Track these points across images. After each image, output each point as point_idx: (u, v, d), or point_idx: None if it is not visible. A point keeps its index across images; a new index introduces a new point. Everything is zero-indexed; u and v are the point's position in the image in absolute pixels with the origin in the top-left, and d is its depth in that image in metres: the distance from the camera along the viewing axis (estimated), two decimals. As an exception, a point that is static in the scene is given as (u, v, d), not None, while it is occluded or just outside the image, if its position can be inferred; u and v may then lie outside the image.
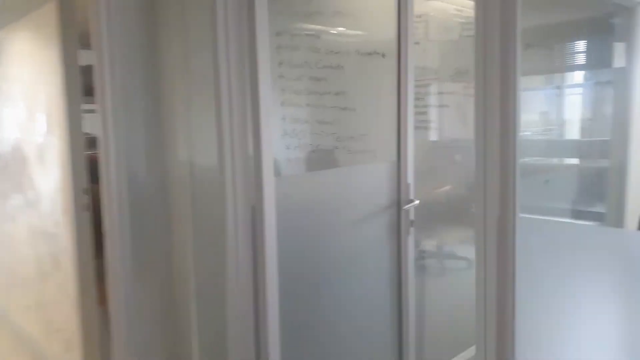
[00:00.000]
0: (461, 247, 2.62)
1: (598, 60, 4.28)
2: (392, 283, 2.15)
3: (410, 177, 2.11)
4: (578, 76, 4.31)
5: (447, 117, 2.73)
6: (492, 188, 1.06)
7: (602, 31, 4.17)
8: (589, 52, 4.26)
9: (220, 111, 1.65)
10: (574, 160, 4.43)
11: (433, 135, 2.60)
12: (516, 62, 0.97)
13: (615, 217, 4.32)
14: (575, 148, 4.31)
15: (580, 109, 4.39)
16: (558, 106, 4.43)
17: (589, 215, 4.26)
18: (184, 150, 2.02)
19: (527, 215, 3.83)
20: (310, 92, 2.17)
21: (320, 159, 2.10)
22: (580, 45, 4.14)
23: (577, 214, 4.14)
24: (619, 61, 4.15)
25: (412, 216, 2.12)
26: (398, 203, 2.11)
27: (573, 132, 4.40)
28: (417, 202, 2.10)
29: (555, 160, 4.34)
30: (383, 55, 2.33)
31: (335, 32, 2.20)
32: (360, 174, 2.02)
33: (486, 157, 1.04)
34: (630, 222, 4.38)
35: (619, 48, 4.14)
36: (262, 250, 1.66)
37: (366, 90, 2.28)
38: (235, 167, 1.66)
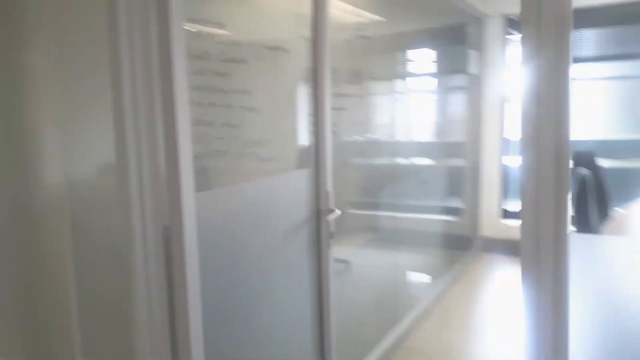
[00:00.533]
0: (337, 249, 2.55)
1: (454, 67, 4.61)
2: (313, 299, 1.95)
3: (329, 184, 1.92)
4: (438, 82, 4.58)
5: (344, 119, 2.62)
6: (546, 204, 0.93)
7: (458, 39, 4.49)
8: (446, 58, 4.56)
9: (123, 115, 1.26)
10: (429, 161, 4.69)
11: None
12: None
13: (471, 212, 4.71)
14: (436, 149, 4.56)
15: (438, 112, 4.67)
16: (415, 110, 4.65)
17: (450, 211, 4.56)
18: (56, 167, 1.57)
19: (408, 215, 3.99)
20: (214, 89, 1.85)
21: (230, 170, 1.80)
22: (440, 52, 4.39)
23: (441, 210, 4.40)
24: (473, 68, 4.51)
25: (332, 227, 1.94)
26: (317, 214, 1.91)
27: (432, 135, 4.66)
28: (338, 212, 1.92)
29: (419, 161, 4.54)
30: (286, 51, 2.10)
31: (240, 21, 1.91)
32: (276, 185, 1.77)
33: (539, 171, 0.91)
34: (486, 215, 4.81)
35: (472, 56, 4.50)
36: (181, 277, 1.32)
37: (273, 90, 2.03)
38: (142, 182, 1.29)
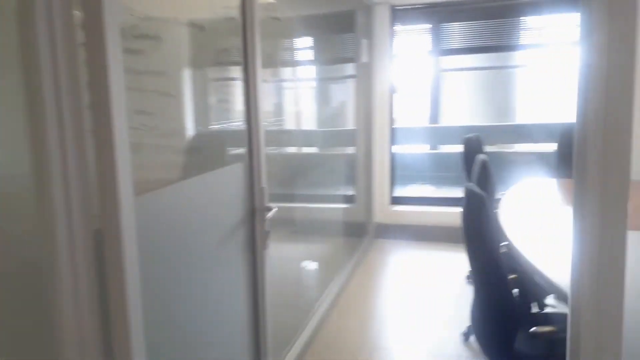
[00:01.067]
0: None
1: (346, 55, 4.61)
2: (249, 300, 1.75)
3: (264, 180, 1.73)
4: (331, 70, 4.54)
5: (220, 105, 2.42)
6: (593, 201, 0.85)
7: (348, 27, 4.49)
8: (337, 46, 4.54)
9: (43, 104, 0.95)
10: (324, 150, 4.67)
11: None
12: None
13: (365, 199, 4.79)
14: (330, 138, 4.54)
15: (330, 101, 4.65)
16: (308, 98, 4.58)
17: (346, 199, 4.59)
18: None
19: (306, 205, 3.90)
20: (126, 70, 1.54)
21: (149, 167, 1.52)
22: (331, 39, 4.35)
23: (338, 199, 4.40)
24: (364, 56, 4.55)
25: (268, 226, 1.75)
26: (252, 212, 1.71)
27: (325, 123, 4.63)
28: (275, 208, 1.74)
29: (313, 150, 4.47)
30: (202, 29, 1.85)
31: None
32: (206, 183, 1.54)
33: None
34: (378, 201, 4.92)
35: (363, 44, 4.53)
36: (117, 283, 1.06)
37: (191, 72, 1.77)
38: (68, 181, 0.99)
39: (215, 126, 1.76)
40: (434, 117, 6.65)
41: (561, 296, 1.75)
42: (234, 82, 1.69)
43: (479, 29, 4.76)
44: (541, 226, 2.68)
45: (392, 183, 5.01)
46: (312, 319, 2.96)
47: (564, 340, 1.84)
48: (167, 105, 1.73)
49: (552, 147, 5.56)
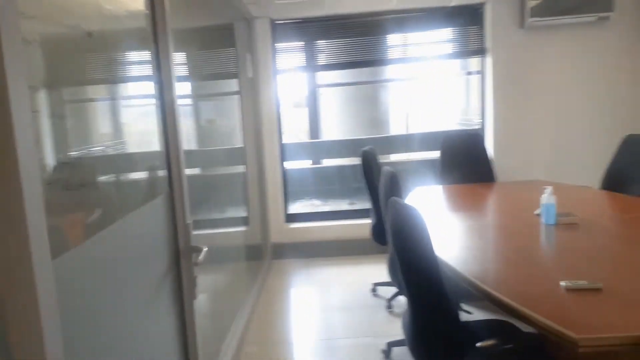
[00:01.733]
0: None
1: (229, 70, 4.35)
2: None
3: (188, 213, 1.43)
4: (214, 86, 4.25)
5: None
6: None
7: (230, 41, 4.25)
8: (220, 60, 4.27)
9: None
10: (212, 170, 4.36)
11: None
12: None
13: (260, 219, 4.55)
14: (221, 156, 4.24)
15: (215, 118, 4.35)
16: (191, 116, 4.24)
17: (239, 221, 4.31)
18: None
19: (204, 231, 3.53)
20: None
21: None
22: (213, 53, 4.08)
23: (233, 222, 4.11)
24: (249, 71, 4.35)
25: (195, 271, 1.45)
26: (177, 255, 1.40)
27: (212, 142, 4.32)
28: (205, 249, 1.44)
29: (195, 171, 4.13)
30: (90, 35, 1.51)
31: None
32: (122, 229, 1.21)
33: None
34: (274, 221, 4.71)
35: (247, 59, 4.33)
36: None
37: (81, 87, 1.42)
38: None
39: (121, 151, 1.42)
40: (315, 132, 6.66)
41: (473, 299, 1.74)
42: (144, 98, 1.39)
43: (352, 45, 4.85)
44: (439, 233, 2.72)
45: (286, 200, 4.85)
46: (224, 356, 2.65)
47: (510, 353, 1.84)
48: (59, 125, 1.36)
49: (436, 154, 5.88)
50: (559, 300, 1.76)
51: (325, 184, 6.61)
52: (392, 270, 2.88)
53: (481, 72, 4.81)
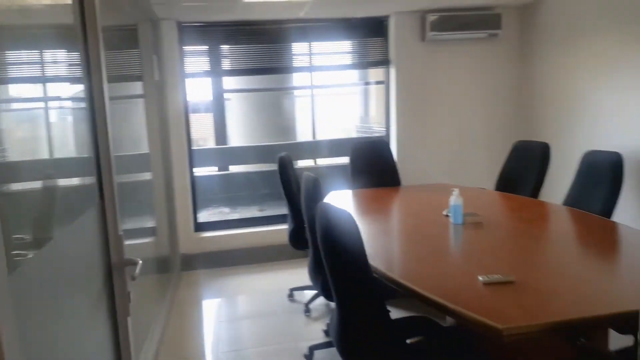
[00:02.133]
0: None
1: (133, 72, 4.11)
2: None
3: (120, 224, 1.32)
4: (117, 88, 3.99)
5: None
6: None
7: (134, 42, 4.02)
8: (124, 62, 4.01)
9: None
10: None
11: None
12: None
13: (168, 229, 4.35)
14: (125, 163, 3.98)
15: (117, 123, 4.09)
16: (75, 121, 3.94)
17: (146, 231, 4.07)
18: None
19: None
20: None
21: None
22: (117, 54, 3.83)
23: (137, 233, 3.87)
24: (155, 74, 4.14)
25: (129, 286, 1.34)
26: (109, 269, 1.28)
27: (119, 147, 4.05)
28: (139, 262, 1.33)
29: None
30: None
31: None
32: (64, 241, 1.09)
33: None
34: (183, 231, 4.52)
35: (154, 62, 4.12)
36: None
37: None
38: None
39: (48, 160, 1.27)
40: (221, 138, 6.53)
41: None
42: (71, 101, 1.25)
43: (259, 51, 4.85)
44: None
45: (195, 209, 4.68)
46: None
47: (437, 347, 1.93)
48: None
49: (343, 160, 6.01)
50: (479, 294, 1.89)
51: (232, 190, 6.50)
52: (314, 274, 2.90)
53: (385, 82, 5.04)
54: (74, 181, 1.21)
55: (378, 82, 5.42)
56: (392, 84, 4.87)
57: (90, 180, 1.26)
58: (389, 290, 2.18)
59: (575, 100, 4.14)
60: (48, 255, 0.98)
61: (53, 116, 1.20)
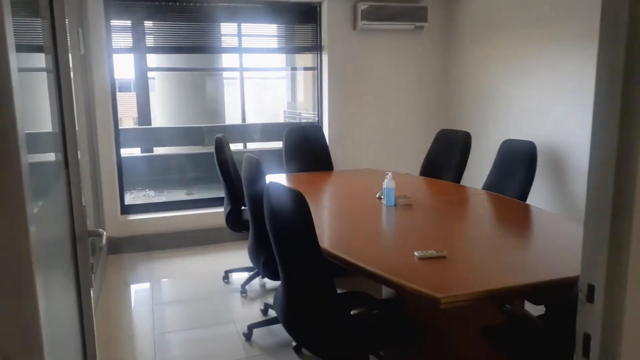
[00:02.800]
0: None
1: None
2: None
3: (84, 195, 1.29)
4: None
5: None
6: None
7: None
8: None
9: None
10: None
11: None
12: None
13: (93, 211, 4.17)
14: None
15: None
16: None
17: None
18: None
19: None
20: None
21: None
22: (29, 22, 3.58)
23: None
24: (82, 47, 3.92)
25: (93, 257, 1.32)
26: (73, 241, 1.25)
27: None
28: (104, 233, 1.30)
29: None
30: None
31: None
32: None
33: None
34: (109, 214, 4.35)
35: (79, 33, 3.90)
36: None
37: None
38: None
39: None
40: (145, 119, 6.30)
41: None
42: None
43: (188, 29, 4.74)
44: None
45: (122, 191, 4.51)
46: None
47: (382, 322, 2.08)
48: None
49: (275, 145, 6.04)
50: (416, 268, 2.06)
51: (157, 174, 6.31)
52: (255, 253, 2.95)
53: (317, 68, 5.14)
54: (48, 155, 1.19)
55: (308, 68, 5.51)
56: (324, 71, 4.97)
57: (58, 153, 1.22)
58: (332, 268, 2.29)
59: (493, 91, 4.50)
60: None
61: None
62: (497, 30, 4.42)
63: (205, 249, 4.58)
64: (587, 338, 0.74)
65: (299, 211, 1.96)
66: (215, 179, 6.43)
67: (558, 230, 2.64)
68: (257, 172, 2.80)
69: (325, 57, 4.96)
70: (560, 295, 1.80)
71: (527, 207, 3.04)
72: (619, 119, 0.77)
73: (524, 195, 3.31)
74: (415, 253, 2.17)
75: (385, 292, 2.74)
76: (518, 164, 3.41)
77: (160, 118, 7.44)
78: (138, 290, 3.77)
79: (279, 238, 2.12)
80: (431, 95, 5.22)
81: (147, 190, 5.91)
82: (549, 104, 3.85)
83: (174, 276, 3.99)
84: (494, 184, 3.56)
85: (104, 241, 1.28)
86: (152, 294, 3.65)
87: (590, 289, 0.74)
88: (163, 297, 3.61)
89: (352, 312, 1.99)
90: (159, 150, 6.76)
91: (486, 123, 4.58)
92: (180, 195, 5.87)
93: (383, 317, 2.08)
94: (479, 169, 4.30)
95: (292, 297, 2.14)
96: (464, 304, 1.81)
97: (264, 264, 2.82)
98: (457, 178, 3.91)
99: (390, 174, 3.12)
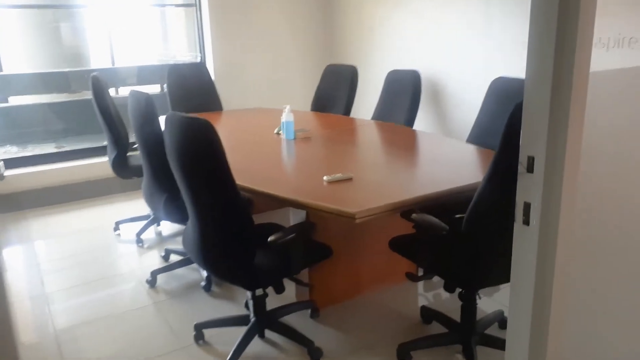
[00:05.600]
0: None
1: None
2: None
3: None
4: None
5: None
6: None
7: None
8: None
9: None
10: None
11: None
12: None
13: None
14: None
15: None
16: None
17: None
18: None
19: None
20: None
21: None
22: None
23: None
24: None
25: None
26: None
27: None
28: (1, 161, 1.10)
29: None
30: None
31: None
32: None
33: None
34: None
35: None
36: None
37: None
38: None
39: None
40: (-7, 64, 5.48)
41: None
42: None
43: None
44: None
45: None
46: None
47: (297, 245, 2.13)
48: None
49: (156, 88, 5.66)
50: (327, 191, 2.14)
51: (17, 127, 5.61)
52: (154, 195, 2.80)
53: (196, 5, 4.84)
54: None
55: (185, 5, 5.16)
56: (205, 7, 4.71)
57: None
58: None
59: (376, 24, 4.62)
60: None
61: None
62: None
63: (91, 203, 4.25)
64: (527, 206, 0.84)
65: (210, 142, 1.90)
66: (87, 130, 5.88)
67: (443, 148, 2.89)
68: (147, 109, 2.62)
69: (203, -9, 4.67)
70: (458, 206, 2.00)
71: (414, 132, 3.27)
72: None
73: (410, 122, 3.54)
74: (324, 177, 2.24)
75: (293, 220, 2.81)
76: (404, 93, 3.61)
77: (12, 64, 6.51)
78: (18, 252, 3.41)
79: (188, 174, 2.03)
80: (316, 30, 5.22)
81: (7, 146, 5.24)
82: (430, 32, 4.05)
83: (58, 234, 3.66)
84: (383, 114, 3.75)
85: (2, 170, 1.12)
86: (35, 254, 3.33)
87: (530, 160, 0.84)
88: (50, 255, 3.32)
89: (269, 239, 2.02)
90: (15, 101, 5.97)
91: (372, 55, 4.72)
92: (49, 149, 5.31)
93: (299, 240, 2.14)
94: (367, 100, 4.48)
95: (207, 233, 2.10)
96: (375, 217, 1.93)
97: (165, 205, 2.70)
98: (347, 111, 4.04)
99: (288, 106, 3.12)
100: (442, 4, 3.91)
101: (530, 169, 0.85)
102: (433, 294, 2.77)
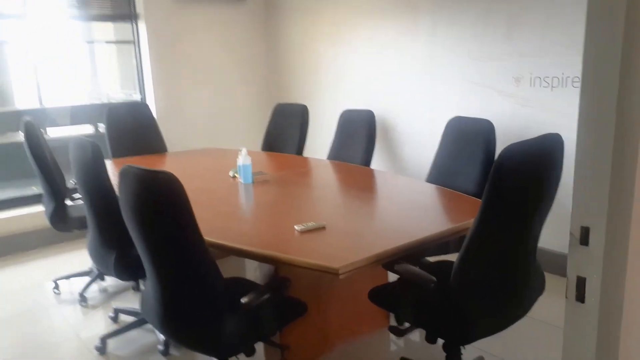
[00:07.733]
0: None
1: None
2: None
3: None
4: None
5: None
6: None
7: None
8: None
9: None
10: None
11: None
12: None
13: None
14: None
15: None
16: None
17: None
18: None
19: None
20: None
21: None
22: None
23: None
24: None
25: None
26: None
27: None
28: None
29: None
30: None
31: None
32: None
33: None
34: None
35: None
36: None
37: None
38: None
39: None
40: None
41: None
42: None
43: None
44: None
45: None
46: None
47: (271, 305, 1.96)
48: None
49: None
50: (301, 242, 2.00)
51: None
52: (101, 253, 2.53)
53: (134, 42, 4.62)
54: None
55: (119, 42, 4.91)
56: (144, 43, 4.50)
57: None
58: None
59: (322, 63, 4.62)
60: None
61: None
62: (319, 4, 4.53)
63: (23, 258, 3.82)
64: (581, 281, 0.77)
65: (176, 197, 1.72)
66: (10, 176, 5.37)
67: (408, 190, 2.85)
68: (94, 158, 2.38)
69: (143, 29, 4.48)
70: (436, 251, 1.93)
71: (373, 172, 3.22)
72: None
73: (367, 161, 3.50)
74: (296, 227, 2.11)
75: (262, 273, 2.63)
76: (359, 133, 3.58)
77: None
78: None
79: (149, 233, 1.83)
80: (261, 69, 5.14)
81: None
82: (381, 73, 4.09)
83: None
84: (339, 153, 3.69)
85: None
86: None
87: (584, 231, 0.76)
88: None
89: (243, 301, 1.84)
90: None
91: (321, 95, 4.70)
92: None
93: (274, 299, 1.98)
94: (318, 139, 4.41)
95: (171, 294, 1.89)
96: (358, 270, 1.82)
97: (116, 262, 2.44)
98: (300, 150, 3.94)
99: (244, 149, 2.98)
100: (382, 45, 3.97)
101: (584, 241, 0.78)
102: (411, 342, 2.67)
